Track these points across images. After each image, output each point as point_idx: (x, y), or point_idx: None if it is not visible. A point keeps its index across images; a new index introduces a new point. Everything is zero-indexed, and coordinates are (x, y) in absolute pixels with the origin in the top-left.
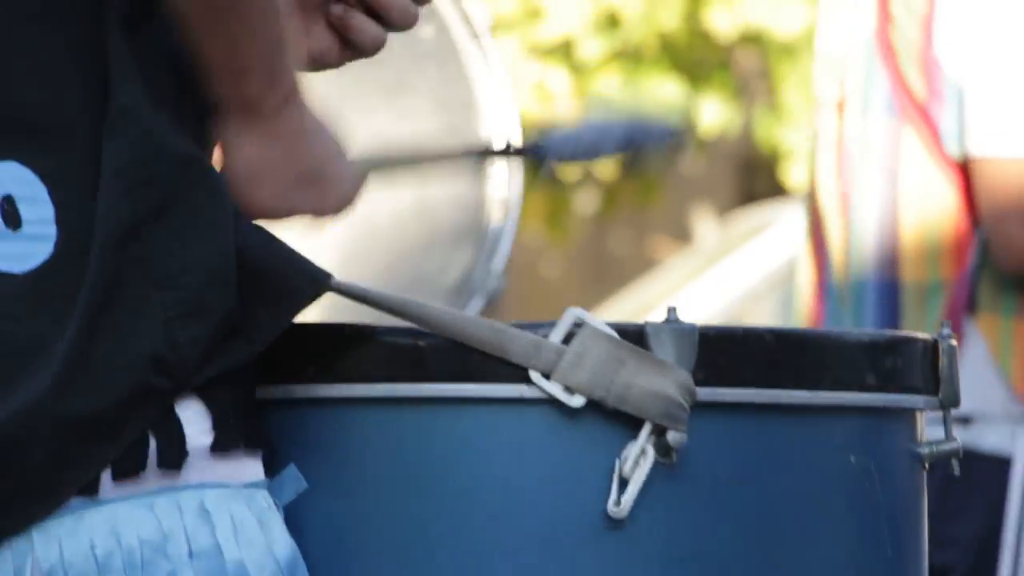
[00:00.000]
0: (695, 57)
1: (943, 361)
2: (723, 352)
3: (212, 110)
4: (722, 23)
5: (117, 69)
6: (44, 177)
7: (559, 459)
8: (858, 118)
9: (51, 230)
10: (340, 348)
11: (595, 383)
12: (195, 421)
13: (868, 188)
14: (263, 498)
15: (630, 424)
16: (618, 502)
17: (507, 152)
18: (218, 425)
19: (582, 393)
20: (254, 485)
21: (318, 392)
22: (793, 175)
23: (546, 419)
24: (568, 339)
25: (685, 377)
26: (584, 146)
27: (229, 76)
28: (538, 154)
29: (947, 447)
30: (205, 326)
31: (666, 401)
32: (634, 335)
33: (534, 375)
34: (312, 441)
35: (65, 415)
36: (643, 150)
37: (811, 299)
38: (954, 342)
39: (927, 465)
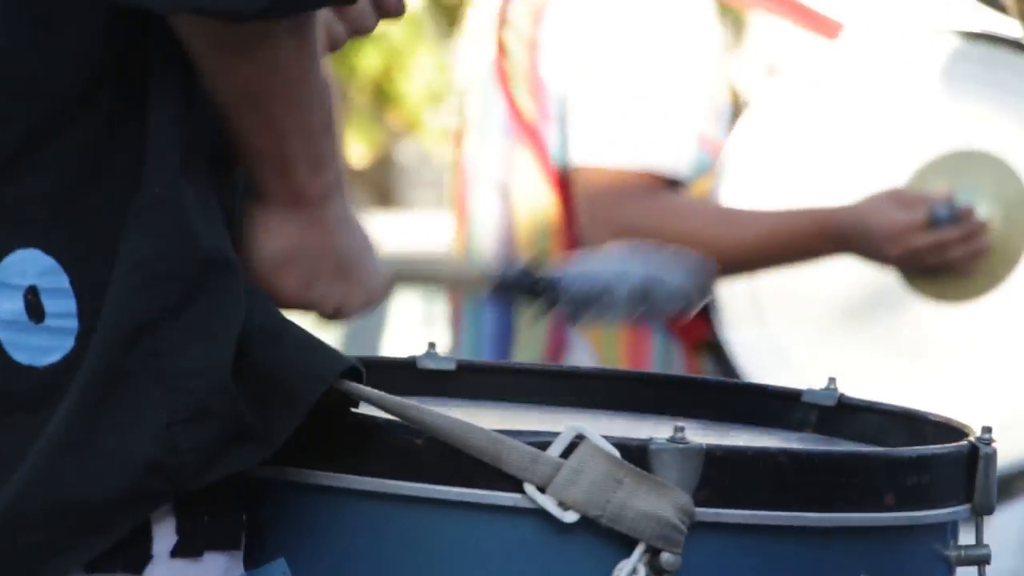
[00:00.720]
0: None
1: (980, 468)
2: (728, 472)
3: (248, 191)
4: None
5: (156, 154)
6: (67, 267)
7: (550, 571)
8: (477, 143)
9: (73, 323)
10: (338, 437)
11: (590, 501)
12: (161, 520)
13: (485, 209)
14: None
15: (624, 542)
16: None
17: (526, 287)
18: (183, 527)
19: (576, 510)
20: None
21: (312, 479)
22: None
23: (538, 530)
24: (568, 453)
25: (684, 499)
26: (597, 289)
27: (273, 164)
28: (554, 292)
29: (977, 552)
30: (208, 432)
31: (661, 523)
32: (636, 452)
33: (528, 488)
34: (302, 527)
35: (57, 502)
36: (654, 305)
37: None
38: (995, 446)
39: (954, 568)
